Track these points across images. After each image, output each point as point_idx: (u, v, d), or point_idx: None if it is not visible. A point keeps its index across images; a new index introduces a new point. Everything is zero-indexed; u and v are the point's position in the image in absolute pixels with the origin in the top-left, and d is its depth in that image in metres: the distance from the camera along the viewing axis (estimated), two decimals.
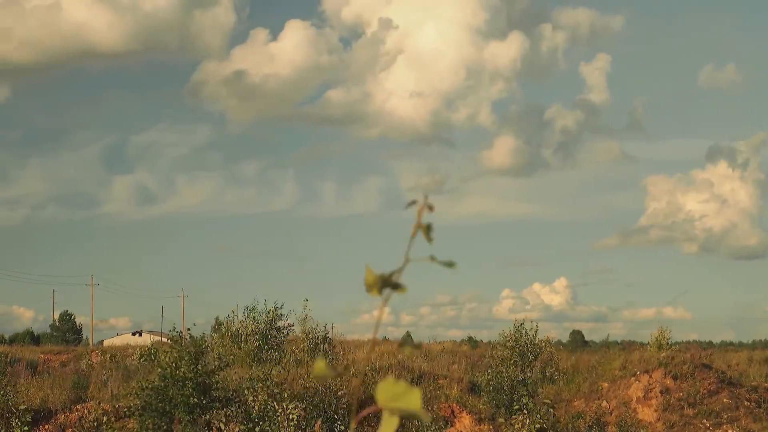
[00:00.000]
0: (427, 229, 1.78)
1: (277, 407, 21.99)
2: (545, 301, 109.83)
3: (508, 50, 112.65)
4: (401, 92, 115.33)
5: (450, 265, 1.77)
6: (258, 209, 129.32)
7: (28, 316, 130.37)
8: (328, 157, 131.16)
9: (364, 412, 1.79)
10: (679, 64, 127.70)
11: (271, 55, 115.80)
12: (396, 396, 1.60)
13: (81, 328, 78.59)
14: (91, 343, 69.61)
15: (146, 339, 74.03)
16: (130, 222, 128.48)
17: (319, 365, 1.71)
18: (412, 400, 1.60)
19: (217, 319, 65.96)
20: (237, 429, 21.44)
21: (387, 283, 1.76)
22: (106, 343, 71.25)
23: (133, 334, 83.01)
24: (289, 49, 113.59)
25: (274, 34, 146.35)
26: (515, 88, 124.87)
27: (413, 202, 1.79)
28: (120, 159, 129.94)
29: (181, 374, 24.35)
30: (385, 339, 64.00)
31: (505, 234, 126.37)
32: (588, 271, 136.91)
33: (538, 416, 21.25)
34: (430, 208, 1.78)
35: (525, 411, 21.67)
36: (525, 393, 25.63)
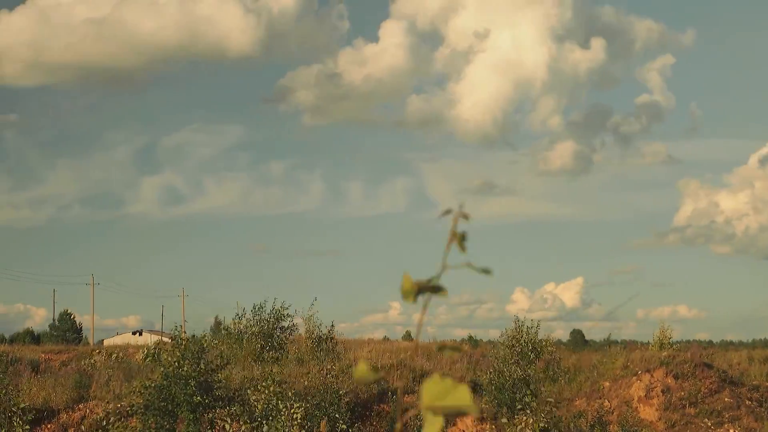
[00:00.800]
0: (462, 239, 1.80)
1: (280, 406, 22.01)
2: (563, 300, 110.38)
3: (578, 56, 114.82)
4: (475, 95, 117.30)
5: (486, 271, 1.80)
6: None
7: (42, 315, 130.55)
8: (391, 159, 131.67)
9: (410, 414, 1.81)
10: (743, 70, 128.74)
11: (359, 59, 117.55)
12: (443, 393, 1.60)
13: (81, 328, 78.54)
14: (91, 343, 69.59)
15: (147, 338, 74.03)
16: (155, 222, 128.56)
17: (361, 368, 1.73)
18: (461, 395, 1.60)
19: (216, 318, 66.03)
20: (243, 428, 21.45)
21: (424, 289, 1.78)
22: (106, 342, 71.23)
23: (134, 333, 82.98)
24: (379, 53, 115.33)
25: (367, 38, 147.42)
26: (581, 94, 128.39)
27: (448, 211, 1.81)
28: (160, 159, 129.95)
29: (184, 373, 24.37)
30: (385, 339, 64.03)
31: (537, 234, 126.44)
32: (615, 270, 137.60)
33: (542, 415, 21.28)
34: (465, 216, 1.80)
35: (528, 410, 21.69)
36: (529, 392, 25.65)
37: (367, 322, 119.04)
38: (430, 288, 1.73)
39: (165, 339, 64.29)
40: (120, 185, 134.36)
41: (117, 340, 74.00)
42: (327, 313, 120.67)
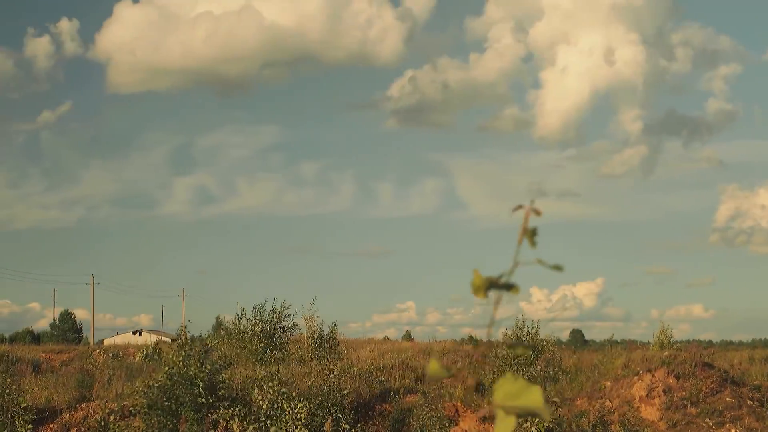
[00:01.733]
0: (532, 234, 1.82)
1: (285, 406, 22.03)
2: (583, 301, 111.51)
3: (651, 62, 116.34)
4: (550, 100, 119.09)
5: (557, 268, 1.82)
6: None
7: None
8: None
9: (481, 413, 1.83)
10: None
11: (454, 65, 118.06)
12: (515, 393, 1.62)
13: (81, 327, 78.54)
14: (91, 342, 69.59)
15: (146, 338, 74.02)
16: (185, 223, 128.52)
17: (434, 366, 1.75)
18: (533, 396, 1.62)
19: (217, 318, 66.02)
20: (249, 428, 21.47)
21: (494, 286, 1.81)
22: (106, 342, 71.22)
23: (134, 333, 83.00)
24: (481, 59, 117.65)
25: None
26: (650, 100, 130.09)
27: (519, 207, 1.84)
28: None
29: (190, 373, 24.37)
30: (385, 338, 64.02)
31: (570, 234, 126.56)
32: (647, 271, 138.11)
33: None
34: (537, 212, 1.83)
35: None
36: (550, 392, 25.71)
37: (377, 323, 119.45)
38: (502, 285, 1.75)
39: (165, 339, 64.30)
40: (153, 186, 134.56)
41: (117, 340, 74.01)
42: (350, 312, 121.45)
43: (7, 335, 71.25)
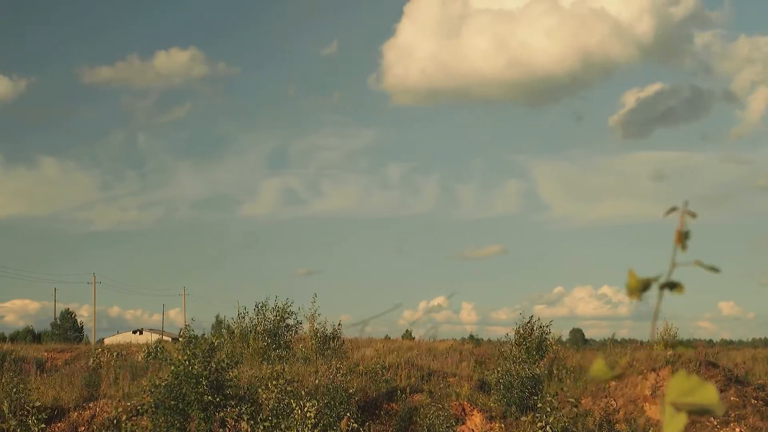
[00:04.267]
0: (685, 236, 1.84)
1: (294, 405, 22.03)
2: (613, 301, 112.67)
3: None
4: None
5: (714, 269, 1.84)
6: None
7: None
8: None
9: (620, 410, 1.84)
10: None
11: None
12: (689, 391, 1.63)
13: (82, 327, 78.47)
14: (93, 341, 69.54)
15: (147, 337, 73.98)
16: (264, 224, 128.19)
17: (599, 365, 1.76)
18: (708, 394, 1.63)
19: (217, 317, 65.95)
20: (260, 428, 21.45)
21: (648, 287, 1.82)
22: (107, 341, 71.16)
23: (134, 332, 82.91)
24: None
25: None
26: None
27: (674, 209, 1.86)
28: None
29: (196, 371, 24.36)
30: (386, 338, 63.96)
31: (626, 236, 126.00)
32: (686, 271, 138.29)
33: (561, 414, 21.33)
34: (692, 215, 1.85)
35: (549, 409, 21.74)
36: (550, 391, 25.74)
37: (402, 323, 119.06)
38: (666, 284, 1.77)
39: (165, 338, 64.26)
40: (238, 188, 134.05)
41: (118, 339, 73.96)
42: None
43: (7, 334, 71.20)
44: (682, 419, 1.67)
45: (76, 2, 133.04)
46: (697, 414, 1.67)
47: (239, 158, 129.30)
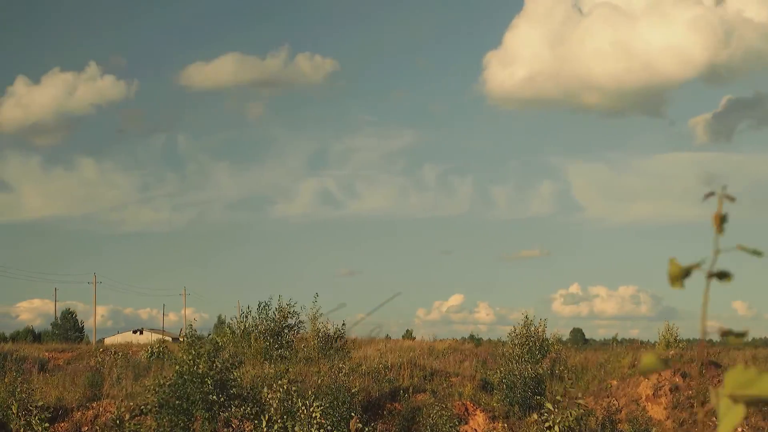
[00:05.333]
0: (722, 221, 1.86)
1: (299, 404, 22.05)
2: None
3: None
4: None
5: (757, 253, 1.85)
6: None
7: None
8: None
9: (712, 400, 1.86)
10: None
11: None
12: (747, 383, 1.65)
13: (83, 326, 78.43)
14: (93, 341, 69.55)
15: (147, 337, 74.00)
16: (294, 225, 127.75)
17: (649, 358, 1.78)
18: (766, 385, 1.65)
19: (219, 317, 65.90)
20: (265, 428, 21.48)
21: (688, 275, 1.84)
22: (107, 341, 71.17)
23: (134, 332, 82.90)
24: None
25: None
26: None
27: (711, 194, 1.87)
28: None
29: (200, 371, 24.39)
30: (387, 337, 63.99)
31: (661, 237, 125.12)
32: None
33: (569, 413, 21.37)
34: (730, 198, 1.86)
35: (556, 409, 21.76)
36: (555, 390, 25.80)
37: (426, 320, 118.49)
38: (715, 274, 1.79)
39: (166, 337, 64.24)
40: (275, 189, 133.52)
41: (118, 339, 73.96)
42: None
43: (7, 334, 71.17)
44: (740, 411, 1.69)
45: (84, 4, 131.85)
46: (756, 404, 1.69)
47: (279, 159, 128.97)
